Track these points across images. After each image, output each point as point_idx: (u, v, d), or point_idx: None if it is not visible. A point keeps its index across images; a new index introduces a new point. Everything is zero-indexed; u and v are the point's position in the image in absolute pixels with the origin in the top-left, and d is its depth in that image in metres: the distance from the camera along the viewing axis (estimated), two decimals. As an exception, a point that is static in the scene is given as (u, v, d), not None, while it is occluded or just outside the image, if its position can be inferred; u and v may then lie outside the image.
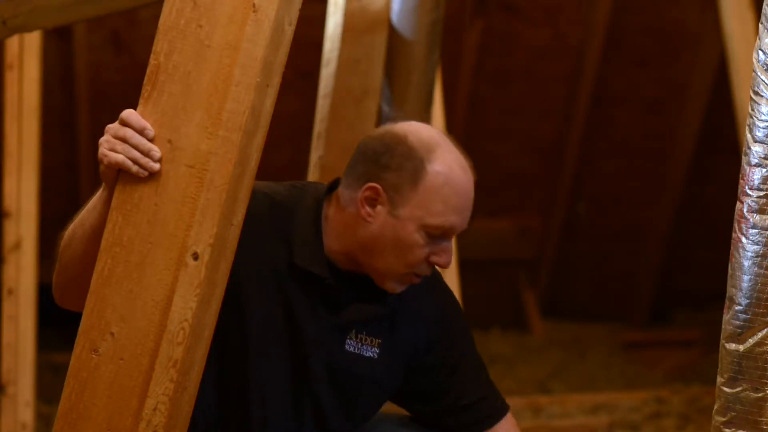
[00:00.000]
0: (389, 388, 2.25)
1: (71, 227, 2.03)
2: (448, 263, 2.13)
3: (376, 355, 2.19)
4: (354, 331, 2.18)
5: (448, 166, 2.11)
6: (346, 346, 2.18)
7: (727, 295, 1.82)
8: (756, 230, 1.79)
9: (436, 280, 2.28)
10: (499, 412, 2.29)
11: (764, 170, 1.79)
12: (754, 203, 1.80)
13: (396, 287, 2.15)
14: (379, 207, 2.12)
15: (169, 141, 1.90)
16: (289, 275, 2.14)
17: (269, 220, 2.15)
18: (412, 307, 2.22)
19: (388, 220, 2.11)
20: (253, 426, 2.14)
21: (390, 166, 2.11)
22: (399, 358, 2.22)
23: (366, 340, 2.19)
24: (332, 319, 2.16)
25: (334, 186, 2.20)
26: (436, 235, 2.12)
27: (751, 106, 1.82)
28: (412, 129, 2.16)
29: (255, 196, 2.12)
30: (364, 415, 2.25)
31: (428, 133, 2.16)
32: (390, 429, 2.29)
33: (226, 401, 2.15)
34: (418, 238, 2.11)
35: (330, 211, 2.17)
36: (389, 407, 2.32)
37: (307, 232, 2.14)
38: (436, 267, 2.19)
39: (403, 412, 2.34)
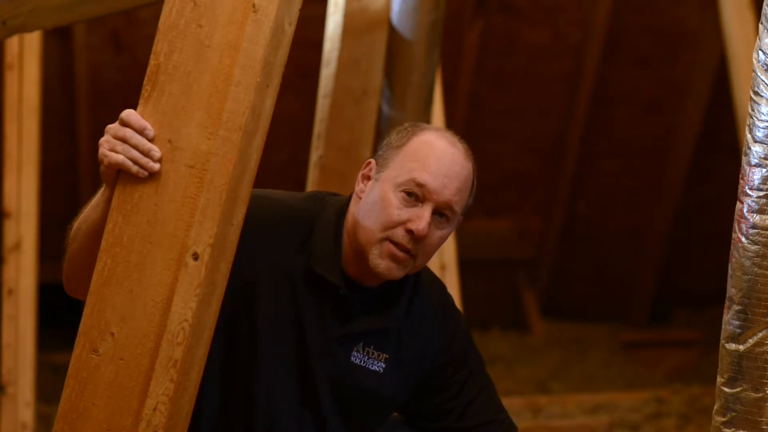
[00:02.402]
0: (393, 403, 2.25)
1: (78, 221, 2.05)
2: (423, 230, 2.09)
3: (382, 370, 2.19)
4: (361, 343, 2.18)
5: (433, 136, 2.16)
6: (352, 358, 2.18)
7: (727, 295, 1.82)
8: (756, 230, 1.79)
9: (447, 305, 2.28)
10: None
11: (764, 170, 1.79)
12: (754, 203, 1.80)
13: (379, 262, 2.11)
14: (370, 181, 2.16)
15: (169, 141, 1.90)
16: (304, 283, 2.15)
17: (289, 229, 2.16)
18: (421, 328, 2.22)
19: (372, 186, 2.15)
20: (257, 427, 2.15)
21: (387, 144, 2.18)
22: (405, 375, 2.22)
23: (373, 354, 2.19)
24: (340, 329, 2.16)
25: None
26: (410, 195, 2.11)
27: (751, 106, 1.82)
28: (418, 123, 2.25)
29: (275, 203, 2.15)
30: (365, 427, 2.24)
31: (431, 126, 2.25)
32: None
33: (231, 403, 2.15)
34: (393, 197, 2.11)
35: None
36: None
37: (327, 244, 2.15)
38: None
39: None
